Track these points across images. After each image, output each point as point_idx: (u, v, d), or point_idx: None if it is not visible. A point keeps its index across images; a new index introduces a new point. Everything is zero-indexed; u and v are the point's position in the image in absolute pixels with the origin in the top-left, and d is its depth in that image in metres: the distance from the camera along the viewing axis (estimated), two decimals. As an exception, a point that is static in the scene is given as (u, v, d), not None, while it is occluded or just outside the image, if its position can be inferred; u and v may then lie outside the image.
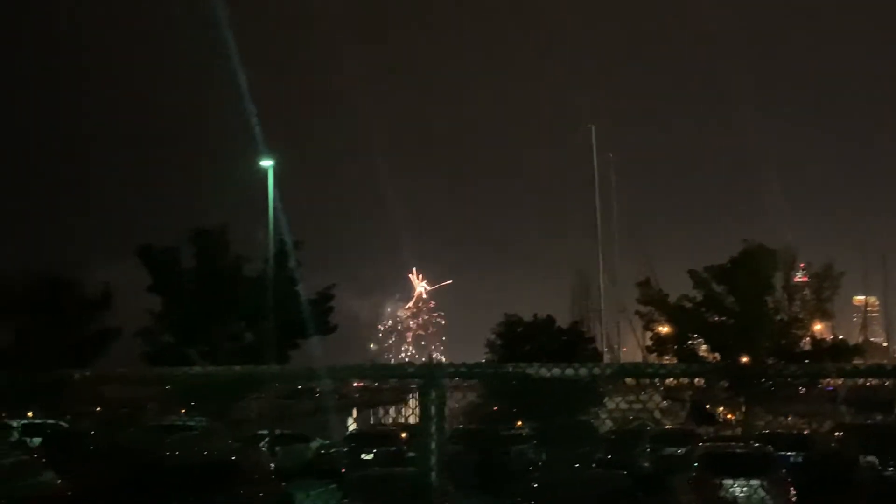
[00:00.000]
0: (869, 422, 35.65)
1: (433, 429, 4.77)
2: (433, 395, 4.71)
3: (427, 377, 4.70)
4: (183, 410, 34.89)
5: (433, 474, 4.97)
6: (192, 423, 32.12)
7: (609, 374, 6.52)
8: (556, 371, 5.20)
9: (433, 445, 4.79)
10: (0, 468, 22.12)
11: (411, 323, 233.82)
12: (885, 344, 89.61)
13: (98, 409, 29.06)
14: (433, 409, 4.74)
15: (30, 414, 31.63)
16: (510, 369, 5.53)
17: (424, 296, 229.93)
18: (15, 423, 29.36)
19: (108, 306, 43.43)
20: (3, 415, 29.54)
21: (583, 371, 5.44)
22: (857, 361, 49.50)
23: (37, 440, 27.69)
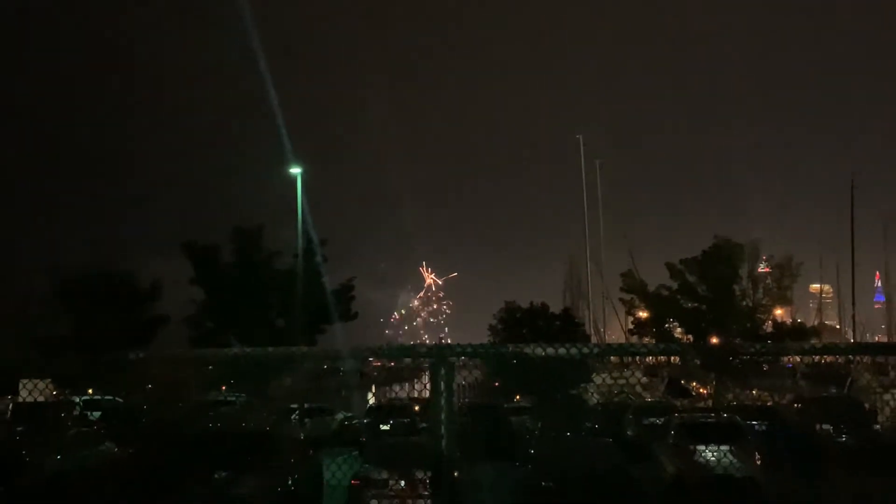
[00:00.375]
0: (824, 395, 35.57)
1: (443, 402, 4.78)
2: (443, 372, 4.71)
3: (437, 356, 4.71)
4: (224, 388, 34.92)
5: (443, 442, 4.97)
6: (231, 399, 32.15)
7: (596, 353, 6.52)
8: (550, 351, 5.19)
9: (443, 416, 4.79)
10: (66, 438, 22.22)
11: (422, 311, 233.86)
12: (837, 326, 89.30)
13: (150, 386, 29.04)
14: (442, 385, 4.74)
15: (90, 391, 31.67)
16: (509, 349, 5.55)
17: (434, 287, 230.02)
18: (77, 400, 29.40)
19: (157, 297, 43.72)
20: (68, 392, 29.60)
21: (573, 351, 5.44)
22: (813, 342, 49.44)
23: (96, 414, 27.75)
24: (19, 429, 24.82)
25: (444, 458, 4.94)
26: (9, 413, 28.72)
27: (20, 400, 28.76)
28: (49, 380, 23.47)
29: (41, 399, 26.14)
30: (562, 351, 5.29)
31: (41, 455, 19.91)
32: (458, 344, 5.05)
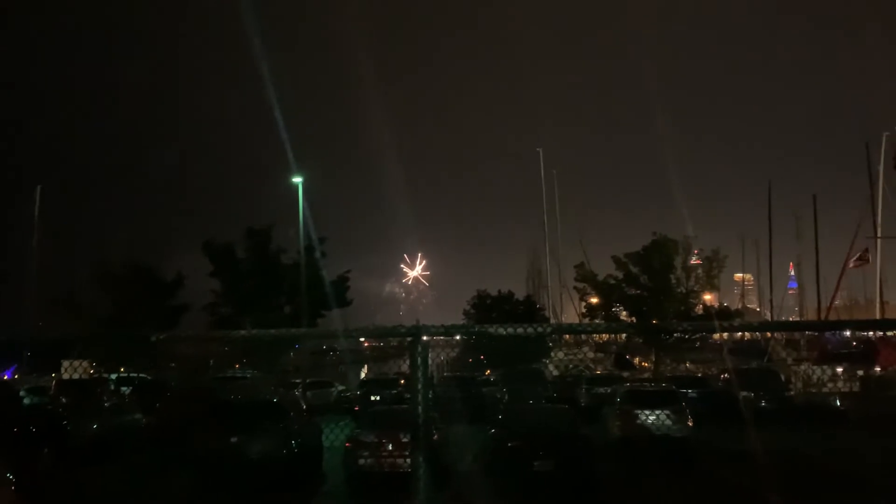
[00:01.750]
0: (746, 367, 35.83)
1: (419, 374, 4.80)
2: (419, 348, 4.74)
3: (414, 335, 4.73)
4: (237, 365, 34.88)
5: (420, 408, 4.98)
6: (245, 374, 32.12)
7: (549, 331, 6.58)
8: (511, 330, 5.22)
9: (419, 387, 4.81)
10: (103, 409, 22.13)
11: (406, 297, 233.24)
12: (757, 309, 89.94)
13: (173, 364, 28.93)
14: (419, 360, 4.77)
15: (122, 369, 31.56)
16: (475, 328, 5.60)
17: (416, 277, 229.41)
18: (111, 377, 29.27)
19: (181, 287, 43.72)
20: (102, 370, 29.48)
21: (529, 330, 5.49)
22: (737, 322, 49.80)
23: (126, 388, 27.61)
24: (62, 400, 24.71)
25: (420, 422, 4.95)
26: (53, 388, 28.61)
27: (63, 377, 28.65)
28: (87, 360, 23.50)
29: (81, 376, 26.03)
30: (519, 330, 5.32)
31: (81, 423, 19.83)
32: (433, 324, 5.05)
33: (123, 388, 27.49)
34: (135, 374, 29.99)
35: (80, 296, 43.51)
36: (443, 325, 5.13)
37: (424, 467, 4.92)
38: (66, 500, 14.25)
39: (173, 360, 29.13)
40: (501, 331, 5.34)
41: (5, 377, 33.25)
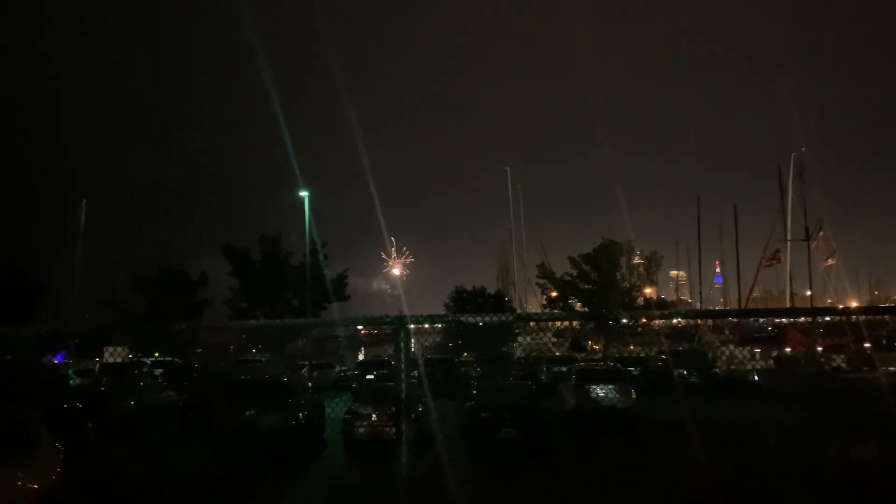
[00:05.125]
0: (679, 348, 36.08)
1: (402, 357, 4.83)
2: (402, 335, 4.78)
3: (398, 323, 4.77)
4: (254, 350, 34.68)
5: (403, 386, 5.02)
6: (259, 358, 31.93)
7: (511, 320, 6.62)
8: (479, 319, 5.27)
9: (402, 367, 4.85)
10: (138, 388, 21.99)
11: (391, 292, 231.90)
12: (689, 301, 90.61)
13: (199, 350, 28.73)
14: (402, 345, 4.80)
15: (156, 354, 31.29)
16: (450, 317, 5.60)
17: (400, 275, 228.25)
18: (147, 360, 29.04)
19: (204, 285, 43.57)
20: (139, 355, 29.25)
21: (495, 319, 5.55)
22: (669, 311, 50.13)
23: (159, 371, 27.40)
24: (104, 381, 24.51)
25: (402, 398, 4.99)
26: (96, 370, 28.36)
27: (105, 361, 28.38)
28: (125, 347, 23.25)
29: (120, 360, 25.77)
30: (487, 319, 5.38)
31: (120, 400, 19.70)
32: (414, 314, 5.09)
33: (157, 370, 27.29)
34: (167, 359, 29.74)
35: (119, 295, 43.29)
36: (423, 315, 5.19)
37: (406, 433, 4.98)
38: (108, 467, 14.15)
39: (199, 346, 28.89)
40: (472, 320, 5.41)
41: (56, 362, 32.89)
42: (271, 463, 13.84)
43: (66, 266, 50.83)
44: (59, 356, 33.64)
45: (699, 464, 12.28)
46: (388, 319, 5.05)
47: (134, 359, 28.27)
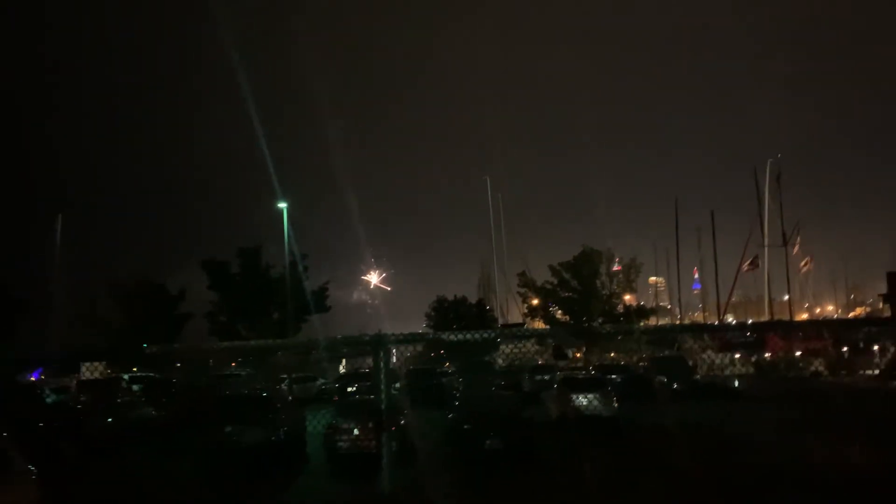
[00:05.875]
0: (661, 355, 36.26)
1: (381, 374, 4.79)
2: (381, 353, 4.73)
3: (376, 343, 4.73)
4: (233, 364, 34.36)
5: (383, 396, 4.99)
6: (239, 372, 31.64)
7: (493, 337, 6.61)
8: (460, 337, 5.23)
9: (382, 384, 4.81)
10: (118, 404, 21.62)
11: (373, 303, 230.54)
12: (669, 307, 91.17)
13: (179, 364, 28.38)
14: (381, 363, 4.76)
15: (134, 369, 30.90)
16: (431, 335, 5.56)
17: (379, 286, 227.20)
18: (124, 376, 28.61)
19: (183, 298, 43.27)
20: (117, 370, 28.84)
21: (476, 337, 5.50)
22: (651, 319, 50.54)
23: (136, 386, 27.00)
24: (82, 398, 24.09)
25: (382, 411, 4.96)
26: (73, 387, 27.87)
27: (82, 377, 27.94)
28: (103, 362, 22.93)
29: (97, 376, 25.38)
30: (468, 336, 5.32)
31: (98, 417, 19.36)
32: (392, 333, 5.05)
33: (135, 386, 26.89)
34: (145, 374, 29.35)
35: (97, 309, 42.83)
36: (401, 334, 5.15)
37: (388, 447, 4.95)
38: (85, 487, 13.88)
39: (178, 361, 28.59)
40: (452, 337, 5.35)
41: (32, 378, 32.38)
42: (253, 479, 13.66)
43: (45, 281, 50.17)
44: (35, 373, 33.10)
45: (686, 468, 12.32)
46: (367, 339, 4.98)
47: (112, 374, 27.83)
